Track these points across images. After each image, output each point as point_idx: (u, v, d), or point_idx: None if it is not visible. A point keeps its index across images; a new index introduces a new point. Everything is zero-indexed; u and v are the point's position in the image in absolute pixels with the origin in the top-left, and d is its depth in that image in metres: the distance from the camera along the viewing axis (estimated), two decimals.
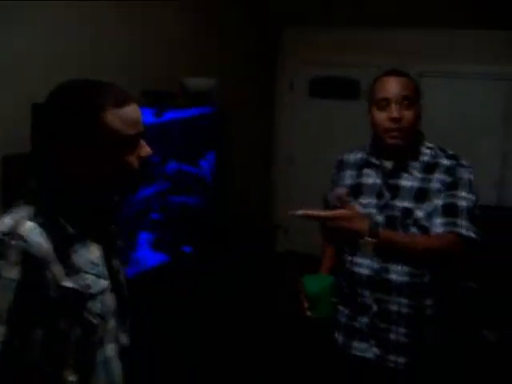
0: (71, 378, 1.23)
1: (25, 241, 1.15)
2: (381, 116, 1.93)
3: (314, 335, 2.97)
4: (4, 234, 1.16)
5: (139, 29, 3.39)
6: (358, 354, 2.04)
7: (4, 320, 1.13)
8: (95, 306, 1.27)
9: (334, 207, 1.65)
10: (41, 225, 1.19)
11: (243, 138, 4.88)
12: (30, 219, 1.19)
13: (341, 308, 2.10)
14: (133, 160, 1.30)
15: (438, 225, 1.86)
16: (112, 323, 1.34)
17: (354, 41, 5.51)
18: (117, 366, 1.35)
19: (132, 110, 1.30)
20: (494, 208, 5.03)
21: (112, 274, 1.36)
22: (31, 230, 1.17)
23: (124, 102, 1.28)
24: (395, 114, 1.89)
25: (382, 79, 1.98)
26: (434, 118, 5.39)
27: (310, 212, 1.65)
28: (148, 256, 3.14)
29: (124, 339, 1.41)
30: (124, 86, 2.92)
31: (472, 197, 1.90)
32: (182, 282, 3.32)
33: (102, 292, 1.30)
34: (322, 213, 1.65)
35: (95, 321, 1.27)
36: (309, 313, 1.96)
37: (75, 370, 1.24)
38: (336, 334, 2.14)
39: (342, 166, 2.16)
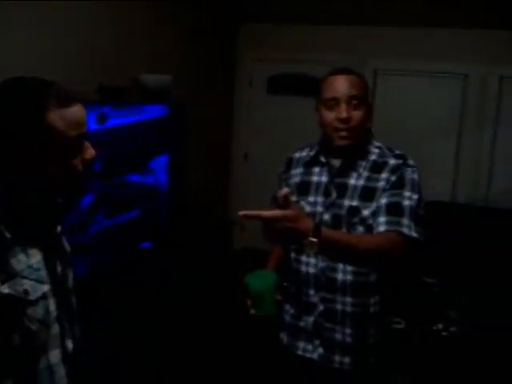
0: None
1: None
2: (329, 116, 1.90)
3: (259, 334, 2.96)
4: None
5: (97, 26, 3.34)
6: (303, 354, 2.01)
7: None
8: (36, 311, 1.21)
9: (278, 207, 1.60)
10: None
11: (201, 134, 4.86)
12: None
13: (286, 307, 2.07)
14: (76, 162, 1.27)
15: (381, 223, 1.84)
16: (56, 329, 1.29)
17: (312, 38, 5.54)
18: (62, 373, 1.31)
19: (76, 111, 1.26)
20: (448, 204, 5.12)
21: (54, 279, 1.31)
22: None
23: (68, 103, 1.25)
24: (344, 115, 1.86)
25: (330, 78, 1.94)
26: (389, 115, 5.49)
27: (252, 212, 1.55)
28: (102, 256, 3.10)
29: (70, 345, 1.36)
30: (80, 82, 2.88)
31: (416, 196, 1.88)
32: (141, 280, 3.28)
33: (44, 297, 1.25)
34: (265, 213, 1.56)
35: (34, 327, 1.21)
36: (252, 311, 1.90)
37: (15, 379, 1.20)
38: (281, 334, 2.11)
39: (290, 163, 2.13)
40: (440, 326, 3.57)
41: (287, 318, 2.07)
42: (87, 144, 1.29)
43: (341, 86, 1.89)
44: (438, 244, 4.27)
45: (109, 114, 3.03)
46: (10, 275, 1.17)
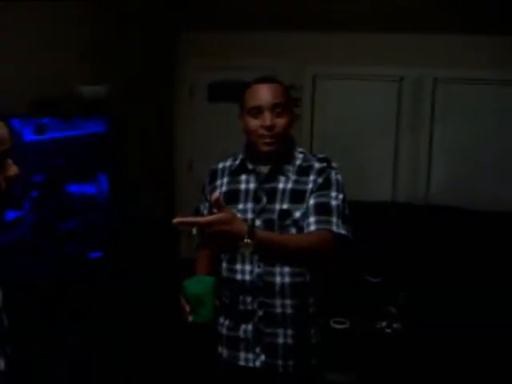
0: None
1: None
2: (254, 123, 1.96)
3: (199, 345, 2.94)
4: None
5: (33, 35, 3.29)
6: (245, 364, 2.02)
7: None
8: None
9: (211, 213, 1.62)
10: None
11: (142, 144, 4.84)
12: None
13: (221, 320, 2.08)
14: None
15: (311, 223, 1.91)
16: None
17: (251, 44, 5.59)
18: None
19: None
20: (388, 204, 5.24)
21: None
22: None
23: None
24: (268, 122, 1.92)
25: (253, 87, 1.99)
26: (329, 119, 5.60)
27: (187, 219, 1.59)
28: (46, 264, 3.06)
29: (1, 363, 1.37)
30: (12, 95, 2.82)
31: (341, 196, 1.98)
32: (88, 289, 3.25)
33: None
34: (200, 219, 1.60)
35: None
36: (190, 318, 1.88)
37: None
38: (220, 348, 2.11)
39: (215, 175, 2.15)
40: (383, 323, 3.65)
41: (223, 330, 2.08)
42: (10, 161, 1.31)
43: (264, 94, 1.94)
44: (379, 243, 4.38)
45: (45, 126, 3.00)
46: None
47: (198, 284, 1.89)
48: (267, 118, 1.92)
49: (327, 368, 2.10)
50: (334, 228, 1.89)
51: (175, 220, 1.57)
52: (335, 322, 3.38)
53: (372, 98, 5.53)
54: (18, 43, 3.15)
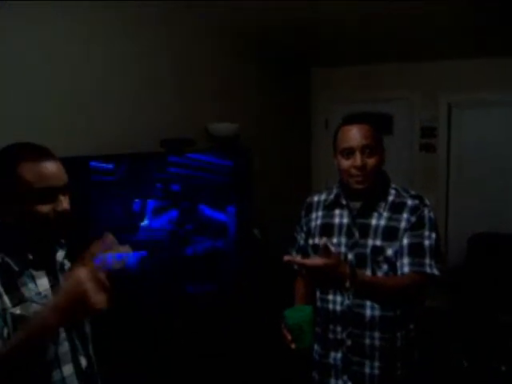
0: None
1: None
2: (346, 163, 2.04)
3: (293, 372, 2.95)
4: None
5: (165, 76, 3.55)
6: None
7: None
8: None
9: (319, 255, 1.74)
10: None
11: (273, 179, 5.01)
12: None
13: (314, 346, 2.18)
14: (46, 210, 1.46)
15: (405, 264, 1.97)
16: (65, 347, 1.53)
17: (385, 76, 5.63)
18: None
19: (48, 165, 1.48)
20: None
21: None
22: None
23: (38, 158, 1.47)
24: (358, 163, 2.00)
25: (344, 129, 2.07)
26: (466, 148, 5.44)
27: (297, 260, 1.76)
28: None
29: (83, 361, 1.60)
30: (145, 134, 3.00)
31: (434, 235, 2.01)
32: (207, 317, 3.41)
33: None
34: (309, 262, 1.73)
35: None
36: (293, 345, 1.96)
37: None
38: (313, 372, 2.21)
39: (310, 208, 2.26)
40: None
41: (316, 356, 2.19)
42: (61, 198, 1.50)
43: (354, 136, 2.02)
44: None
45: (178, 162, 3.25)
46: (21, 300, 1.44)
47: (299, 313, 1.97)
48: (358, 159, 2.00)
49: None
50: (428, 270, 1.95)
51: (286, 258, 1.76)
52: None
53: (510, 124, 5.31)
54: (152, 84, 3.44)
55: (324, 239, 1.80)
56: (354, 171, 2.02)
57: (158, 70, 3.49)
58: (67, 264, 1.67)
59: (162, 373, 3.04)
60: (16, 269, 1.47)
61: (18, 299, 1.44)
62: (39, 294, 1.49)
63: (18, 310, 1.42)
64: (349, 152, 2.03)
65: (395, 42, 4.74)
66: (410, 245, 1.98)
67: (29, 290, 1.48)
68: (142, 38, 3.30)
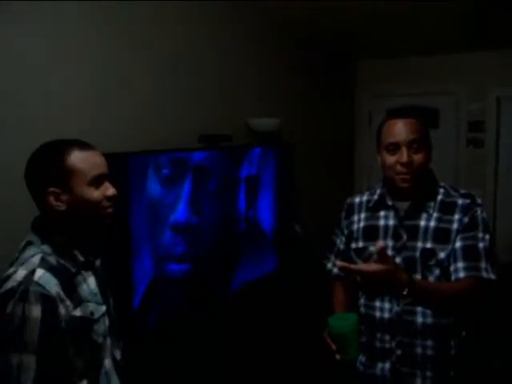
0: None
1: (40, 285, 1.40)
2: (391, 160, 1.91)
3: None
4: (23, 284, 1.40)
5: (206, 71, 3.52)
6: None
7: (33, 351, 1.37)
8: (99, 328, 1.56)
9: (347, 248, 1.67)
10: (48, 269, 1.45)
11: (320, 172, 4.94)
12: (39, 266, 1.44)
13: (359, 356, 2.05)
14: (97, 195, 1.54)
15: (459, 269, 1.85)
16: (108, 341, 1.62)
17: (431, 69, 5.48)
18: (115, 378, 1.63)
19: (93, 155, 1.56)
20: None
21: (106, 300, 1.63)
22: (43, 276, 1.43)
23: (86, 148, 1.55)
24: (405, 159, 1.87)
25: (389, 123, 1.95)
26: None
27: (351, 266, 1.70)
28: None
29: (118, 355, 1.68)
30: (184, 130, 2.97)
31: (488, 236, 1.88)
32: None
33: (103, 315, 1.59)
34: (365, 268, 1.67)
35: (100, 340, 1.56)
36: (337, 356, 1.87)
37: (87, 380, 1.52)
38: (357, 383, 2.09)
39: (351, 209, 2.13)
40: None
41: (360, 367, 2.06)
42: (107, 184, 1.58)
43: (400, 131, 1.90)
44: None
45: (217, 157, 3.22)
46: (79, 301, 1.50)
47: (343, 322, 1.88)
48: (404, 155, 1.87)
49: None
50: (484, 274, 1.83)
51: (339, 264, 1.70)
52: None
53: None
54: (196, 80, 3.40)
55: (380, 243, 1.67)
56: (399, 168, 1.89)
57: (200, 66, 3.45)
58: (97, 262, 1.70)
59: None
60: (73, 270, 1.53)
61: (77, 301, 1.50)
62: (92, 292, 1.57)
63: (78, 312, 1.49)
64: (394, 147, 1.90)
65: (443, 33, 4.60)
66: (464, 248, 1.86)
67: (83, 290, 1.54)
68: (183, 33, 3.26)
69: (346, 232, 2.12)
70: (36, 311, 1.38)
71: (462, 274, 1.84)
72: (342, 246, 2.15)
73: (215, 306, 3.27)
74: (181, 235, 2.90)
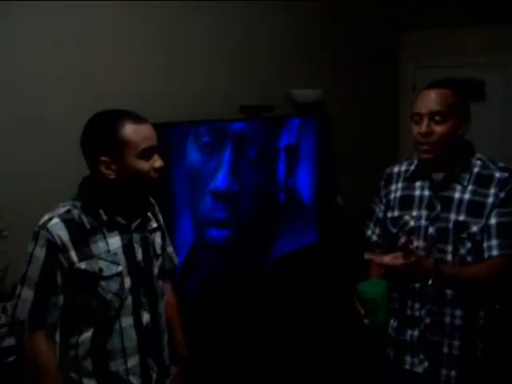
0: (88, 332, 1.64)
1: (48, 231, 1.57)
2: (414, 130, 1.94)
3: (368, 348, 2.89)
4: (39, 227, 1.59)
5: (249, 41, 3.58)
6: (411, 368, 2.02)
7: (32, 286, 1.58)
8: (110, 285, 1.64)
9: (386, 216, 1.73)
10: (64, 220, 1.59)
11: (362, 144, 4.93)
12: (58, 216, 1.60)
13: (391, 322, 2.09)
14: (147, 167, 1.63)
15: (493, 247, 1.85)
16: (129, 301, 1.69)
17: (478, 40, 5.36)
18: (132, 336, 1.70)
19: (145, 128, 1.64)
20: None
21: (131, 262, 1.70)
22: (56, 225, 1.58)
23: (138, 122, 1.63)
24: (424, 130, 1.89)
25: (422, 92, 1.96)
26: None
27: (376, 259, 1.81)
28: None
29: (146, 316, 1.74)
30: (226, 100, 3.07)
31: None
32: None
33: (118, 275, 1.65)
34: (388, 261, 1.75)
35: (108, 297, 1.63)
36: (366, 321, 1.92)
37: (94, 332, 1.65)
38: (388, 349, 2.12)
39: (390, 179, 2.16)
40: None
41: (392, 332, 2.10)
42: (156, 156, 1.66)
43: (426, 101, 1.91)
44: None
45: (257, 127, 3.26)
46: (87, 256, 1.61)
47: (374, 288, 1.91)
48: (423, 126, 1.89)
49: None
50: None
51: (367, 256, 1.81)
52: None
53: None
54: (233, 53, 3.44)
55: (403, 238, 1.73)
56: (420, 138, 1.92)
57: (244, 40, 3.49)
58: (153, 224, 1.83)
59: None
60: (88, 227, 1.63)
61: (85, 255, 1.61)
62: (108, 251, 1.65)
63: (83, 265, 1.60)
64: (418, 118, 1.92)
65: (490, 3, 4.48)
66: (499, 224, 1.86)
67: (98, 247, 1.63)
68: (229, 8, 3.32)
69: (384, 201, 2.15)
70: (41, 252, 1.57)
71: (495, 252, 1.85)
72: (380, 214, 2.17)
73: (253, 275, 3.33)
74: (221, 201, 2.97)
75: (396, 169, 2.16)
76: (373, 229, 2.21)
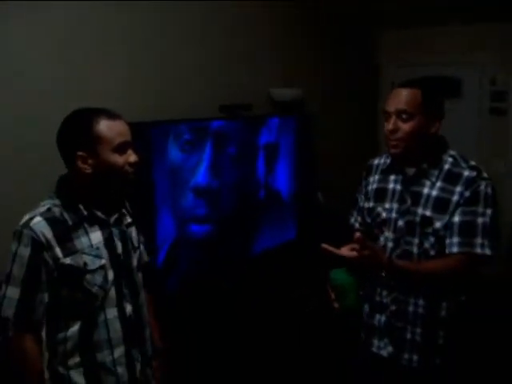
0: (75, 326, 1.70)
1: (32, 230, 1.63)
2: (385, 126, 2.03)
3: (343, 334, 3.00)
4: (22, 226, 1.65)
5: (225, 41, 3.63)
6: (377, 351, 2.14)
7: (18, 284, 1.63)
8: (94, 278, 1.70)
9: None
10: (47, 218, 1.65)
11: (341, 143, 5.01)
12: (40, 214, 1.66)
13: (364, 306, 2.20)
14: (122, 162, 1.70)
15: (453, 244, 1.94)
16: (112, 293, 1.76)
17: (456, 39, 5.46)
18: (116, 327, 1.76)
19: (120, 124, 1.72)
20: None
21: (113, 256, 1.77)
22: (38, 223, 1.64)
23: (113, 118, 1.71)
24: (390, 127, 1.98)
25: (392, 91, 2.05)
26: None
27: (333, 249, 1.89)
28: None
29: (128, 308, 1.81)
30: (205, 100, 3.10)
31: (490, 211, 1.94)
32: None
33: (102, 268, 1.72)
34: (345, 253, 1.89)
35: (94, 290, 1.70)
36: (336, 304, 2.03)
37: (81, 325, 1.71)
38: (361, 333, 2.24)
39: (370, 171, 2.26)
40: None
41: (364, 317, 2.21)
42: (130, 151, 1.73)
43: (394, 100, 2.00)
44: None
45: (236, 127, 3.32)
46: (72, 251, 1.68)
47: (343, 275, 2.01)
48: (390, 123, 1.99)
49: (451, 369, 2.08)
50: (478, 250, 1.92)
51: (323, 245, 1.89)
52: None
53: None
54: (212, 53, 3.50)
55: (357, 234, 1.81)
56: (388, 135, 2.01)
57: (223, 37, 3.54)
58: (128, 219, 1.89)
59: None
60: (70, 223, 1.69)
61: (69, 250, 1.67)
62: (91, 246, 1.72)
63: (68, 260, 1.66)
64: (387, 115, 2.02)
65: (468, 2, 4.57)
66: (461, 223, 1.94)
67: (81, 242, 1.70)
68: (207, 6, 3.37)
69: (363, 191, 2.26)
70: (25, 251, 1.63)
71: (455, 249, 1.94)
72: (361, 203, 2.28)
73: (234, 271, 3.40)
74: (201, 198, 3.05)
75: (376, 161, 2.27)
76: (355, 217, 2.33)
